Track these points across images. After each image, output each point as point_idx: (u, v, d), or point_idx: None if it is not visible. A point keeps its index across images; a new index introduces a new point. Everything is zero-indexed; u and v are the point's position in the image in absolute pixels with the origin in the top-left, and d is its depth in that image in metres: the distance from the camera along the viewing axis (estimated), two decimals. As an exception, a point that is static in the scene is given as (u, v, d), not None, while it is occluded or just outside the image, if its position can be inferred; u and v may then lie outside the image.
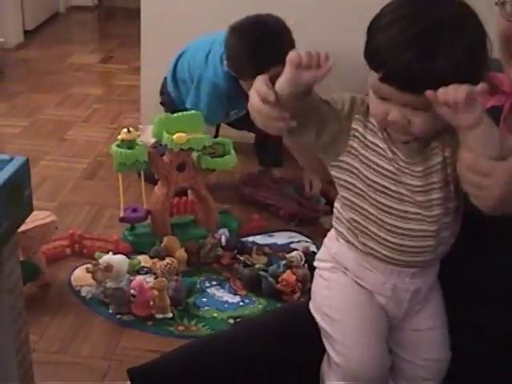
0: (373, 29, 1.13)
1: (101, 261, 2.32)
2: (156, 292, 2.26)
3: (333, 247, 1.35)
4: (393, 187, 1.20)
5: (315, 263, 1.41)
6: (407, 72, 1.07)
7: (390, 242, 1.24)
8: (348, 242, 1.30)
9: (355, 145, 1.21)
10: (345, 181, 1.25)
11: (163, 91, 3.17)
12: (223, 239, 2.58)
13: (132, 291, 2.27)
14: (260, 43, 2.62)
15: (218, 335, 1.71)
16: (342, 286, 1.33)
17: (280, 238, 2.76)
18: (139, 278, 2.37)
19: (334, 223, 1.35)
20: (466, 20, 1.09)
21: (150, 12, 3.45)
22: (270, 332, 1.50)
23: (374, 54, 1.12)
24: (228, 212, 2.80)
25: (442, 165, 1.18)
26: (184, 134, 2.52)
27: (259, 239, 2.71)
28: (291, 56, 1.08)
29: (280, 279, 2.37)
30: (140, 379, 1.49)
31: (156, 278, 2.33)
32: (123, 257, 2.38)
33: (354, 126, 1.21)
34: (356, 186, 1.24)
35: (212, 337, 1.77)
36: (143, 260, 2.50)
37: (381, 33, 1.10)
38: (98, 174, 3.26)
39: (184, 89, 3.03)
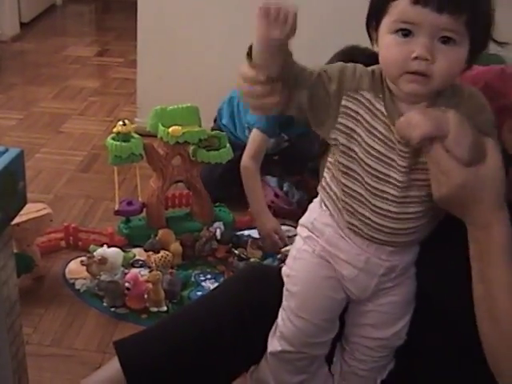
0: None
1: (95, 253, 2.32)
2: (150, 285, 2.26)
3: (314, 213, 1.35)
4: (384, 170, 1.18)
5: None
6: None
7: (378, 224, 1.23)
8: (331, 214, 1.30)
9: (350, 124, 1.18)
10: (339, 163, 1.23)
11: (216, 121, 3.13)
12: (218, 233, 2.58)
13: (126, 284, 2.27)
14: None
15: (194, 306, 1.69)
16: (307, 263, 1.34)
17: (275, 232, 2.75)
18: (134, 270, 2.38)
19: (320, 191, 1.34)
20: None
21: (146, 5, 3.43)
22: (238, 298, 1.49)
23: None
24: (223, 205, 2.79)
25: None
26: (179, 127, 2.51)
27: (254, 233, 2.70)
28: (260, 7, 1.05)
29: (275, 273, 2.37)
30: (126, 352, 1.49)
31: (151, 271, 2.33)
32: (118, 250, 2.38)
33: (343, 103, 1.17)
34: (350, 169, 1.22)
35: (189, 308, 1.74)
36: (138, 253, 2.51)
37: None
38: (94, 166, 3.26)
39: (238, 122, 3.00)
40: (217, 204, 2.77)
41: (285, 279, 1.38)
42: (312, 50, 3.05)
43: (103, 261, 2.30)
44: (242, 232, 2.71)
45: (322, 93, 1.16)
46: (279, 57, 1.09)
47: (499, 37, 1.13)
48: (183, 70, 3.47)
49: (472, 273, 1.15)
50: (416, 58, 1.07)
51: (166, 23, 3.43)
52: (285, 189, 2.93)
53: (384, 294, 1.34)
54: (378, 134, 1.16)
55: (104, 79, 4.52)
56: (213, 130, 2.91)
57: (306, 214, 1.38)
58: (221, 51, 3.41)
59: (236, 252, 2.53)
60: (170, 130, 2.50)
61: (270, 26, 1.04)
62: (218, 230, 2.59)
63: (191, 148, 2.61)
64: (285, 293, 1.38)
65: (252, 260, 2.48)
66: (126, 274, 2.33)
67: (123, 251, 2.42)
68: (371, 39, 1.18)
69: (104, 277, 2.29)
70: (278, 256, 2.47)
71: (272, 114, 1.21)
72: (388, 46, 1.11)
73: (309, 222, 1.34)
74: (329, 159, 1.29)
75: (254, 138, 2.70)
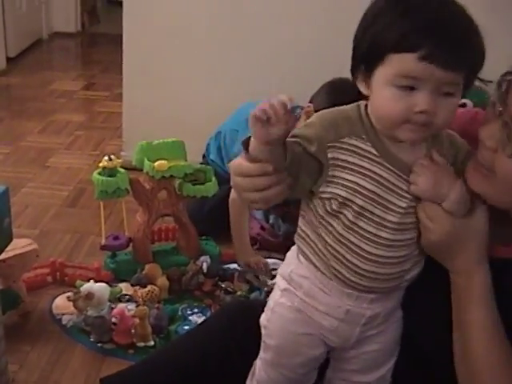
0: (393, 14, 1.09)
1: (82, 289, 2.31)
2: (137, 320, 2.25)
3: (291, 264, 1.32)
4: (381, 214, 1.17)
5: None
6: (455, 46, 1.06)
7: (362, 269, 1.21)
8: (310, 262, 1.27)
9: (342, 174, 1.16)
10: (332, 209, 1.20)
11: (205, 156, 3.16)
12: (204, 266, 2.58)
13: (113, 319, 2.27)
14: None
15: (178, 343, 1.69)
16: (283, 318, 1.32)
17: (262, 265, 2.75)
18: (121, 305, 2.37)
19: (297, 241, 1.31)
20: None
21: (132, 39, 3.46)
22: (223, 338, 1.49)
23: (411, 34, 1.06)
24: (209, 239, 2.80)
25: None
26: (165, 162, 2.53)
27: (241, 266, 2.71)
28: (251, 115, 1.03)
29: (262, 306, 2.37)
30: None
31: (137, 306, 2.33)
32: (104, 285, 2.37)
33: (329, 155, 1.15)
34: (342, 213, 1.19)
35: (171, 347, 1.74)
36: (125, 288, 2.50)
37: (411, 14, 1.08)
38: (80, 201, 3.26)
39: (226, 155, 3.00)
40: (203, 237, 2.78)
41: (262, 330, 1.36)
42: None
43: (90, 296, 2.29)
44: (228, 265, 2.71)
45: (308, 159, 1.15)
46: (282, 149, 1.08)
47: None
48: (169, 104, 3.49)
49: (452, 317, 1.18)
50: (420, 111, 1.09)
51: (151, 57, 3.46)
52: (271, 221, 2.94)
53: (368, 341, 1.32)
54: (374, 176, 1.16)
55: (90, 113, 4.53)
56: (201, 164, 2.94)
57: (284, 265, 1.35)
58: (207, 86, 3.45)
59: (222, 285, 2.53)
60: (156, 164, 2.51)
61: (265, 127, 1.03)
62: (205, 264, 2.59)
63: (177, 182, 2.62)
64: (262, 343, 1.37)
65: (239, 293, 2.49)
66: (112, 308, 2.32)
67: (110, 286, 2.41)
68: (355, 78, 1.18)
69: (91, 312, 2.29)
70: (265, 289, 2.47)
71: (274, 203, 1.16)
72: (388, 98, 1.11)
73: (286, 274, 1.32)
74: (303, 207, 1.27)
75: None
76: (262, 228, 2.93)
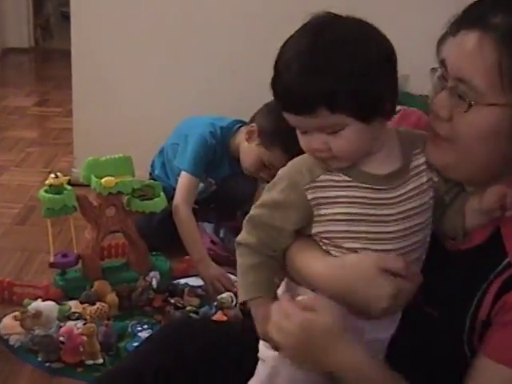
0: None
1: (29, 308, 2.29)
2: (85, 338, 2.24)
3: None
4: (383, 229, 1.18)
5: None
6: (290, 93, 1.11)
7: None
8: None
9: (323, 211, 1.18)
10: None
11: (150, 174, 3.17)
12: (154, 282, 2.57)
13: (61, 338, 2.25)
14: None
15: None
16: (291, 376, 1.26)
17: (213, 279, 2.75)
18: (70, 323, 2.35)
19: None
20: (349, 43, 1.10)
21: (81, 55, 3.46)
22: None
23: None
24: (160, 254, 2.79)
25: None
26: (112, 178, 2.52)
27: (192, 281, 2.71)
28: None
29: (211, 321, 2.38)
30: None
31: (85, 324, 2.32)
32: (52, 303, 2.35)
33: (309, 197, 1.18)
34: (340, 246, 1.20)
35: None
36: (74, 305, 2.48)
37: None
38: (30, 218, 3.24)
39: (170, 170, 3.04)
40: (153, 253, 2.77)
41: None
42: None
43: (38, 315, 2.27)
44: (178, 280, 2.70)
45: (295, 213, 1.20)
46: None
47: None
48: (119, 120, 3.50)
49: None
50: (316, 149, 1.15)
51: (100, 73, 3.47)
52: (221, 235, 2.95)
53: None
54: (356, 199, 1.17)
55: (42, 129, 4.52)
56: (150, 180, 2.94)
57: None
58: (155, 101, 3.45)
59: (172, 301, 2.52)
60: (103, 180, 2.50)
61: None
62: (154, 280, 2.58)
63: (125, 198, 2.61)
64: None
65: (188, 308, 2.48)
66: (61, 327, 2.30)
67: (58, 304, 2.40)
68: None
69: (38, 331, 2.27)
70: (215, 303, 2.47)
71: None
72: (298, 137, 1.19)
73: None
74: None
75: (183, 181, 2.76)
76: (213, 242, 2.93)
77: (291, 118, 1.14)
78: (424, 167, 1.21)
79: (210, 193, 3.01)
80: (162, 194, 2.66)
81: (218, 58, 3.35)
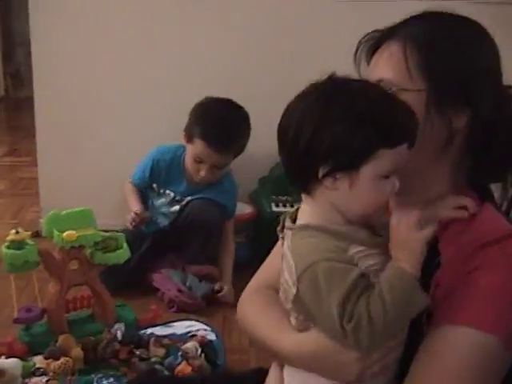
0: None
1: (-8, 366, 2.28)
2: (48, 395, 2.23)
3: None
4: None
5: None
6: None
7: None
8: None
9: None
10: None
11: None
12: (119, 334, 2.56)
13: (24, 396, 2.24)
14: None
15: None
16: None
17: (179, 328, 2.75)
18: (35, 380, 2.33)
19: None
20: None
21: (42, 103, 3.48)
22: None
23: None
24: (125, 304, 2.79)
25: None
26: (74, 232, 2.52)
27: (158, 330, 2.70)
28: None
29: (176, 371, 2.37)
30: None
31: (48, 381, 2.30)
32: (16, 360, 2.34)
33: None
34: None
35: None
36: (39, 361, 2.46)
37: None
38: (-4, 273, 3.21)
39: None
40: (119, 303, 2.76)
41: None
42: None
43: (1, 374, 2.26)
44: (144, 330, 2.70)
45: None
46: None
47: None
48: (83, 169, 3.51)
49: None
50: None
51: (63, 122, 3.47)
52: (188, 283, 2.95)
53: None
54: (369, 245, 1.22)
55: (11, 180, 4.51)
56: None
57: None
58: (119, 146, 3.47)
59: (137, 353, 2.51)
60: (65, 234, 2.50)
61: None
62: (119, 332, 2.56)
63: (88, 251, 2.62)
64: None
65: (154, 360, 2.47)
66: (25, 384, 2.29)
67: (23, 360, 2.38)
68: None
69: (2, 390, 2.25)
70: (180, 353, 2.47)
71: None
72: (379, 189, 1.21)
73: None
74: None
75: (127, 191, 3.27)
76: (180, 291, 2.93)
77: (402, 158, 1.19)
78: None
79: (175, 213, 3.17)
80: (124, 245, 2.66)
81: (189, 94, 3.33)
